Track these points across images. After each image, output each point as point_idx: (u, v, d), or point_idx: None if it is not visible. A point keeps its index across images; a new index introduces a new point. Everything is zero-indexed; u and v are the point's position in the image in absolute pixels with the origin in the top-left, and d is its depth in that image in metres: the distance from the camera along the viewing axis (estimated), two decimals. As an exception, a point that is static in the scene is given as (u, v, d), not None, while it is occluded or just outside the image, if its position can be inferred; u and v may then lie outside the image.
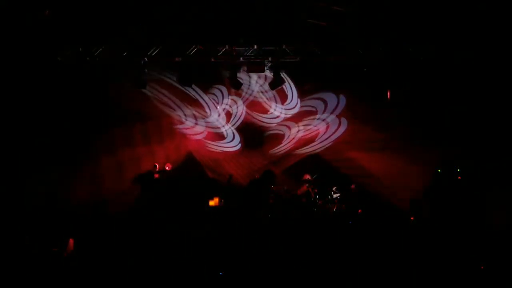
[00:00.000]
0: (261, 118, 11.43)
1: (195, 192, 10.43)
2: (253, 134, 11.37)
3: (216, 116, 11.36)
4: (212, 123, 11.38)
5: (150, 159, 10.82)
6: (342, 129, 11.24)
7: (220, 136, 11.44)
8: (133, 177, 10.60)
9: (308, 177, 10.14)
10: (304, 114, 11.38)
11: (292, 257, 7.46)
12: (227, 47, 9.68)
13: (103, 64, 9.84)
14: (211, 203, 10.12)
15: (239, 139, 11.39)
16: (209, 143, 11.38)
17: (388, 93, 10.40)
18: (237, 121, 11.44)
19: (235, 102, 11.35)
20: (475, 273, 6.90)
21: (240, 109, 11.40)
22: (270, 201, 9.66)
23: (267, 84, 10.95)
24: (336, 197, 9.88)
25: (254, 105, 11.39)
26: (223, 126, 11.41)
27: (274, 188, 9.97)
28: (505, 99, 9.30)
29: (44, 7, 8.01)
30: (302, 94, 11.32)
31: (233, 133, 11.43)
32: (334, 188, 10.00)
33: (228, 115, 11.43)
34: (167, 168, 10.63)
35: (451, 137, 9.98)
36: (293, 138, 11.37)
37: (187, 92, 11.13)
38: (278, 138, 11.40)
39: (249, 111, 11.40)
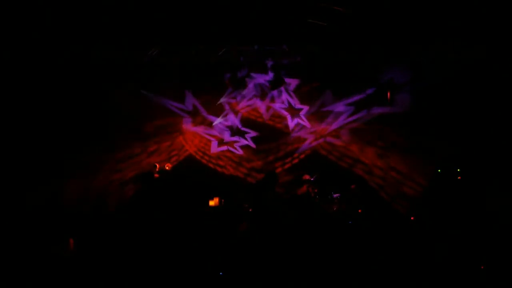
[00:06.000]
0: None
1: (195, 192, 10.44)
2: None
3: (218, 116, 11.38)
4: (213, 122, 11.39)
5: (149, 159, 10.84)
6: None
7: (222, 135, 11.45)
8: (133, 177, 10.61)
9: (308, 177, 10.14)
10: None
11: (292, 257, 7.47)
12: (227, 47, 9.68)
13: (102, 64, 9.84)
14: (211, 203, 10.13)
15: (240, 138, 11.38)
16: (211, 142, 11.39)
17: (388, 95, 10.40)
18: (239, 120, 11.43)
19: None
20: (475, 273, 6.91)
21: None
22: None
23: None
24: (336, 197, 9.87)
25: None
26: (224, 124, 11.42)
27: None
28: (505, 98, 9.30)
29: (44, 6, 7.96)
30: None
31: (235, 131, 11.43)
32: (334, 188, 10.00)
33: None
34: (167, 168, 10.63)
35: (451, 137, 9.98)
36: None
37: (187, 92, 11.13)
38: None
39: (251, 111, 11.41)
